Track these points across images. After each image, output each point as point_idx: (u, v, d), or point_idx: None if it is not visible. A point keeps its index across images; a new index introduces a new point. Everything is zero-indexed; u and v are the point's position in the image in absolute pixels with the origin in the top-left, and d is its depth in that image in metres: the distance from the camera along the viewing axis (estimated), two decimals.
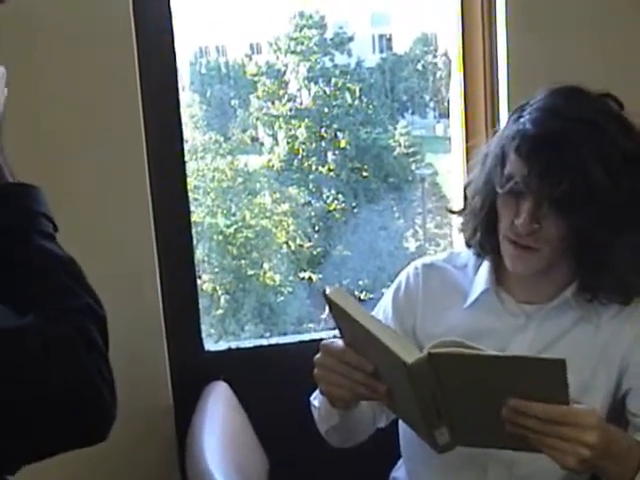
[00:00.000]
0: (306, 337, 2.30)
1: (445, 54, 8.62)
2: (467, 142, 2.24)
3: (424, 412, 1.36)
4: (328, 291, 1.41)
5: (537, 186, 1.48)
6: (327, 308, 1.46)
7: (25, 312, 0.97)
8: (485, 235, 1.64)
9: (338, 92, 8.80)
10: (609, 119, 1.52)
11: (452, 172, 2.41)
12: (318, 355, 1.49)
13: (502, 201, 1.56)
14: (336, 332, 1.50)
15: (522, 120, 1.54)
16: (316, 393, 1.67)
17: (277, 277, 8.33)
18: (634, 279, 1.57)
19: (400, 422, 1.75)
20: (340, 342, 1.47)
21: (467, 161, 2.06)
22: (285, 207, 8.50)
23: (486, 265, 1.67)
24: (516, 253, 1.55)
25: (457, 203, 1.76)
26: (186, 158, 2.15)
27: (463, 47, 2.25)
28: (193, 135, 8.57)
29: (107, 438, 1.02)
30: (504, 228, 1.56)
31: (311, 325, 7.84)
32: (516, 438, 1.33)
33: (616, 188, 1.47)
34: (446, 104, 9.06)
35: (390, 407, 1.53)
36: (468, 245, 1.70)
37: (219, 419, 1.94)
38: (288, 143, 8.72)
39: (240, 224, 8.29)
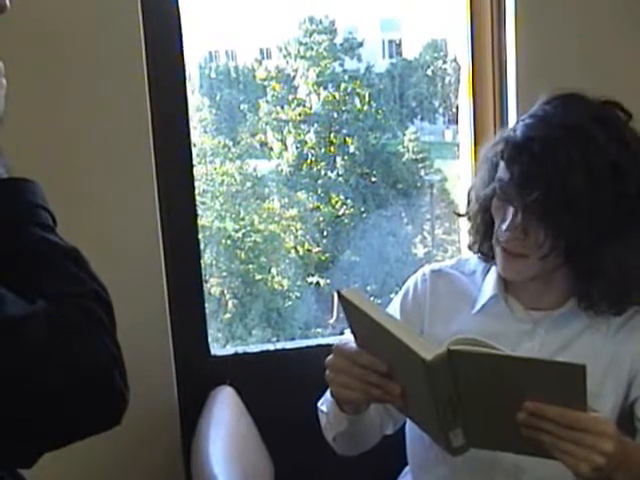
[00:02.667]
0: (312, 342, 2.29)
1: (454, 60, 8.62)
2: (476, 148, 2.24)
3: (439, 412, 1.35)
4: (343, 290, 1.40)
5: (513, 193, 1.49)
6: (341, 308, 1.45)
7: (32, 301, 0.97)
8: (482, 240, 1.64)
9: (347, 97, 8.80)
10: (600, 126, 1.50)
11: (461, 178, 2.40)
12: (330, 357, 1.48)
13: (494, 206, 1.57)
14: (346, 336, 1.49)
15: (516, 127, 1.54)
16: (324, 398, 1.66)
17: (285, 282, 8.32)
18: (628, 292, 1.56)
19: (407, 430, 1.74)
20: (353, 344, 1.46)
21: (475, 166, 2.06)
22: (293, 212, 8.50)
23: (494, 271, 1.67)
24: (506, 259, 1.56)
25: (464, 209, 1.76)
26: (195, 162, 2.15)
27: (472, 53, 2.24)
28: (202, 139, 8.57)
29: (121, 422, 1.02)
30: (495, 233, 1.57)
31: (319, 330, 7.83)
32: (530, 442, 1.32)
33: (600, 198, 1.46)
34: (455, 110, 9.05)
35: (402, 409, 1.51)
36: (470, 249, 1.71)
37: (225, 424, 1.93)
38: (297, 148, 8.72)
39: (248, 228, 8.29)
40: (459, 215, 1.76)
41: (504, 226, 1.52)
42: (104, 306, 1.04)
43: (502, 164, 1.53)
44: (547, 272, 1.56)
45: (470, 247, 1.71)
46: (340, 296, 1.40)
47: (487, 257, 1.67)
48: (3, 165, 1.11)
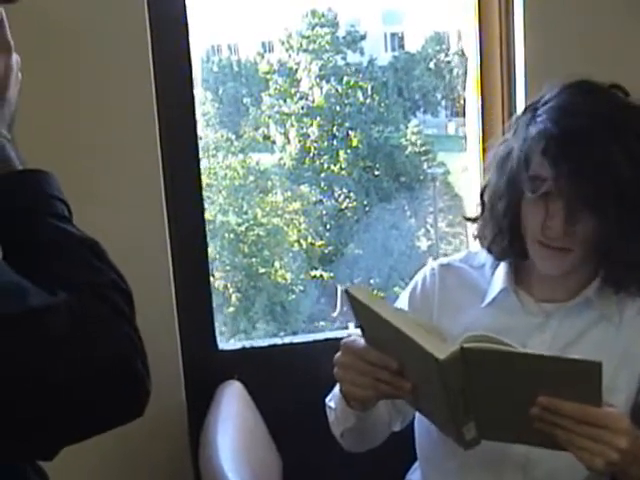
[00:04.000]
0: (320, 336, 2.28)
1: (460, 52, 8.61)
2: (484, 141, 2.23)
3: (452, 408, 1.35)
4: (350, 288, 1.39)
5: (568, 187, 1.46)
6: (349, 305, 1.44)
7: (53, 291, 0.97)
8: (510, 240, 1.61)
9: (350, 90, 8.81)
10: (629, 114, 1.51)
11: (468, 170, 2.39)
12: (339, 354, 1.47)
13: (530, 204, 1.54)
14: (352, 330, 1.48)
15: (540, 120, 1.51)
16: (332, 394, 1.65)
17: (288, 275, 8.33)
18: None
19: (416, 425, 1.73)
20: (361, 340, 1.45)
21: (483, 160, 2.05)
22: (297, 205, 8.50)
23: (504, 264, 1.66)
24: (549, 255, 1.53)
25: (472, 203, 1.73)
26: None
27: (480, 45, 2.23)
28: (205, 133, 8.58)
29: (144, 413, 1.01)
30: (534, 231, 1.54)
31: (323, 323, 7.84)
32: (543, 435, 1.32)
33: None
34: (458, 103, 9.04)
35: (413, 405, 1.51)
36: (489, 251, 1.67)
37: (233, 418, 1.93)
38: (300, 141, 8.72)
39: (252, 222, 8.30)
40: (470, 220, 1.73)
41: (552, 222, 1.49)
42: (124, 295, 1.04)
43: (540, 160, 1.49)
44: (581, 263, 1.56)
45: (489, 249, 1.66)
46: (347, 294, 1.39)
47: (511, 257, 1.64)
48: (18, 157, 1.11)
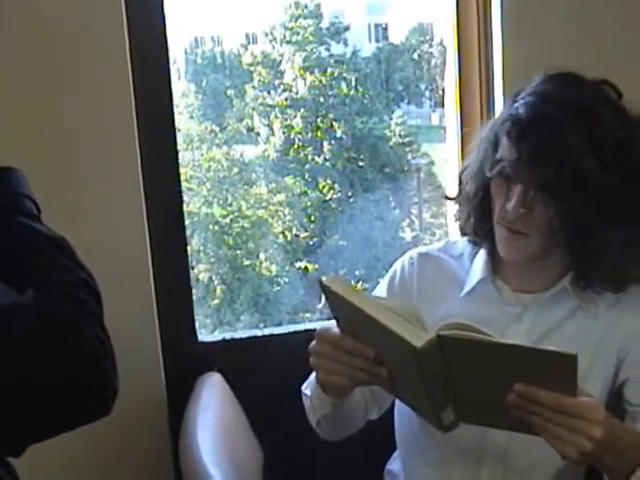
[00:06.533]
0: (300, 327, 2.29)
1: (441, 43, 8.61)
2: (462, 131, 2.23)
3: (430, 394, 1.35)
4: (325, 279, 1.39)
5: (525, 170, 1.48)
6: (323, 297, 1.44)
7: (21, 290, 0.96)
8: (479, 221, 1.63)
9: (334, 82, 8.79)
10: (604, 106, 1.50)
11: (448, 161, 2.39)
12: (313, 343, 1.47)
13: (494, 186, 1.56)
14: (331, 321, 1.48)
15: (516, 105, 1.53)
16: (307, 382, 1.65)
17: (273, 267, 8.32)
18: (627, 268, 1.56)
19: (396, 415, 1.74)
20: (336, 329, 1.45)
21: (462, 149, 2.05)
22: (281, 197, 8.49)
23: (482, 254, 1.66)
24: (507, 238, 1.54)
25: (452, 191, 1.75)
26: (181, 148, 2.14)
27: (458, 35, 2.23)
28: (188, 125, 8.54)
29: (111, 412, 1.01)
30: (496, 213, 1.56)
31: (307, 315, 7.84)
32: (520, 420, 1.32)
33: (608, 177, 1.46)
34: (441, 93, 9.04)
35: (391, 391, 1.51)
36: (463, 232, 1.69)
37: (213, 410, 1.93)
38: (284, 133, 8.70)
39: (236, 214, 8.28)
40: (449, 199, 1.75)
41: (509, 205, 1.51)
42: (93, 295, 1.04)
43: (506, 143, 1.51)
44: (544, 252, 1.55)
45: (463, 230, 1.70)
46: (322, 285, 1.39)
47: (482, 239, 1.65)
48: None
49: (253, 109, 8.93)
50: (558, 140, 1.45)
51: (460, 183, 1.68)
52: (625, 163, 1.49)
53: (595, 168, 1.45)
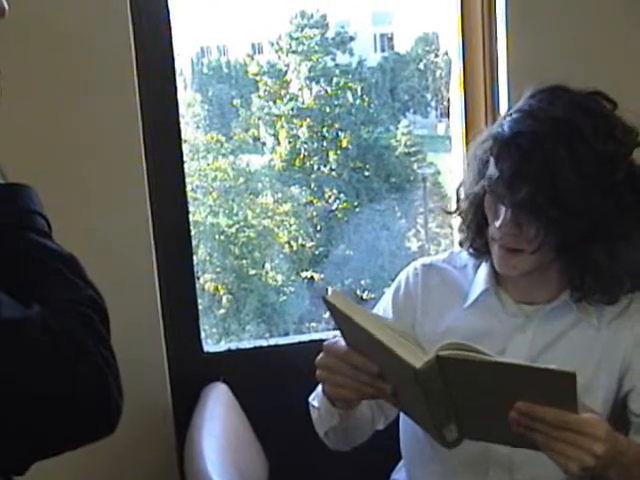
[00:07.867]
0: (305, 338, 2.28)
1: (446, 53, 8.62)
2: (467, 142, 2.23)
3: (432, 411, 1.36)
4: (327, 295, 1.39)
5: (503, 190, 1.48)
6: (328, 312, 1.45)
7: (28, 305, 0.97)
8: (475, 237, 1.63)
9: (339, 92, 8.82)
10: (585, 118, 1.48)
11: (453, 172, 2.40)
12: (321, 356, 1.48)
13: (486, 203, 1.56)
14: (337, 332, 1.49)
15: (503, 122, 1.53)
16: (315, 393, 1.66)
17: (279, 277, 8.33)
18: (619, 280, 1.55)
19: (401, 425, 1.74)
20: (342, 342, 1.45)
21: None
22: (287, 207, 8.51)
23: (486, 265, 1.66)
24: (500, 254, 1.55)
25: (453, 205, 1.75)
26: (188, 158, 2.15)
27: (463, 46, 2.23)
28: (195, 135, 8.57)
29: (114, 431, 1.01)
30: (489, 230, 1.56)
31: (313, 324, 7.84)
32: (522, 437, 1.32)
33: (587, 189, 1.44)
34: (447, 103, 9.05)
35: (396, 405, 1.51)
36: (461, 245, 1.70)
37: (218, 420, 1.93)
38: (290, 143, 8.73)
39: (242, 224, 8.29)
40: (449, 213, 1.75)
41: (497, 223, 1.51)
42: (99, 312, 1.03)
43: (492, 161, 1.52)
44: (542, 266, 1.55)
45: (462, 244, 1.70)
46: (325, 301, 1.39)
47: (479, 254, 1.66)
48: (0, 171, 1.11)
49: (259, 119, 8.96)
50: (534, 156, 1.44)
51: (458, 198, 1.69)
52: (608, 177, 1.47)
53: (574, 182, 1.43)
